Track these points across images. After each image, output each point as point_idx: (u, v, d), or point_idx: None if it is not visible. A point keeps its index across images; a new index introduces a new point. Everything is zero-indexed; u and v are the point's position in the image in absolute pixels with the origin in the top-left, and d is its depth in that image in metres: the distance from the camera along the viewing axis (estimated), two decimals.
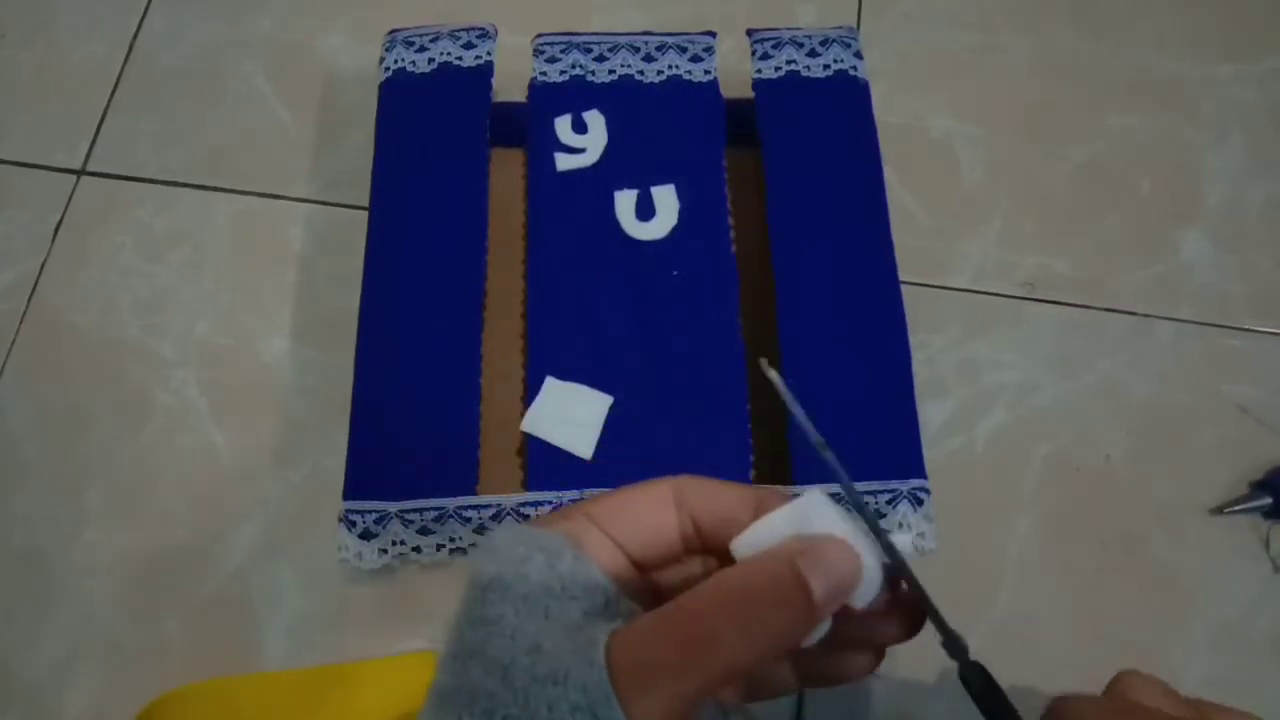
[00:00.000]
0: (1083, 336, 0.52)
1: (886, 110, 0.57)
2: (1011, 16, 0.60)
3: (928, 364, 0.52)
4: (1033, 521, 0.49)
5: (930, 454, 0.49)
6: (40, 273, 0.55)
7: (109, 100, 0.59)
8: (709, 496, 0.26)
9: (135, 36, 0.61)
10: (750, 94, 0.51)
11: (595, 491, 0.43)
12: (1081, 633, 0.47)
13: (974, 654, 0.26)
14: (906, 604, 0.26)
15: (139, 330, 0.53)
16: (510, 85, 0.52)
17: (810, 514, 0.24)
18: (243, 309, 0.54)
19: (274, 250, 0.55)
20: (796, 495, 0.25)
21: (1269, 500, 0.47)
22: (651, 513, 0.26)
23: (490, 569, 0.24)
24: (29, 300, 0.54)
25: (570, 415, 0.44)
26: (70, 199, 0.57)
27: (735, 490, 0.26)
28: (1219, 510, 0.48)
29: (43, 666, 0.47)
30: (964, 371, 0.52)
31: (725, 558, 0.25)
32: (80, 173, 0.57)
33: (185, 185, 0.57)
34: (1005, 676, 0.47)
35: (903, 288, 0.47)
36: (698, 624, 0.22)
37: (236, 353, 0.53)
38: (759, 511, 0.25)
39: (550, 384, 0.45)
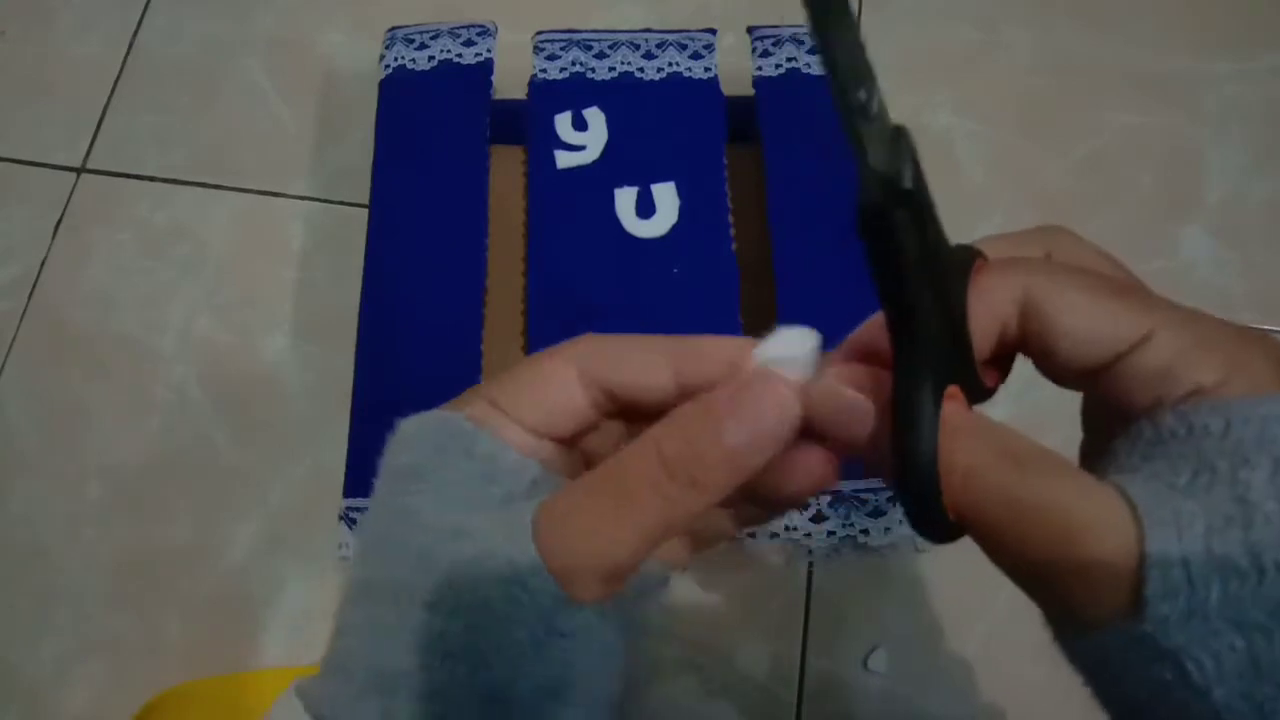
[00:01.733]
0: None
1: (887, 106, 0.57)
2: (1011, 12, 0.60)
3: None
4: None
5: None
6: (41, 270, 0.55)
7: (109, 97, 0.59)
8: (615, 367, 0.24)
9: (135, 33, 0.61)
10: (751, 91, 0.51)
11: None
12: None
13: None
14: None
15: (139, 327, 0.53)
16: (510, 83, 0.52)
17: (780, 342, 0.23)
18: (243, 306, 0.54)
19: (274, 247, 0.55)
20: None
21: None
22: (554, 394, 0.24)
23: (404, 458, 0.24)
24: (29, 297, 0.54)
25: None
26: (70, 196, 0.57)
27: (642, 352, 0.24)
28: None
29: (43, 663, 0.47)
30: None
31: (641, 419, 0.24)
32: (80, 170, 0.57)
33: (185, 182, 0.57)
34: (1009, 664, 0.47)
35: None
36: (622, 484, 0.21)
37: (236, 350, 0.53)
38: (677, 371, 0.23)
39: None
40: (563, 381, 0.24)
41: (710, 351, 0.23)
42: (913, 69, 0.59)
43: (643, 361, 0.24)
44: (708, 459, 0.21)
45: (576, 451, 0.25)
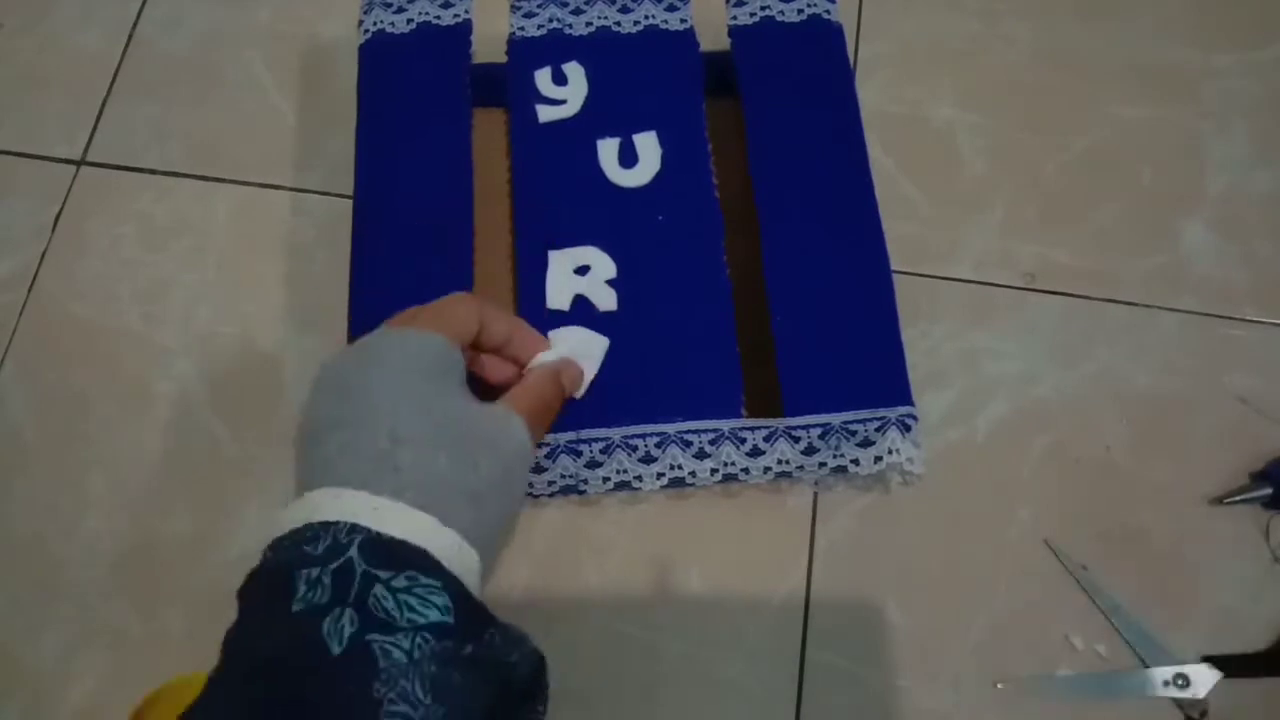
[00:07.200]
0: (1083, 326, 0.52)
1: (888, 99, 0.57)
2: (1013, 4, 0.60)
3: (928, 354, 0.52)
4: (1033, 512, 0.49)
5: (931, 444, 0.49)
6: (41, 263, 0.55)
7: (108, 90, 0.59)
8: (491, 315, 0.41)
9: (135, 25, 0.61)
10: (726, 43, 0.51)
11: (590, 432, 0.45)
12: (1081, 624, 0.47)
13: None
14: None
15: (139, 319, 0.53)
16: (489, 47, 0.52)
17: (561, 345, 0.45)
18: (242, 298, 0.54)
19: (273, 240, 0.55)
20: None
21: (1269, 491, 0.47)
22: (466, 319, 0.40)
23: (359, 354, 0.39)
24: (29, 290, 0.54)
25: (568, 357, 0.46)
26: (70, 189, 0.57)
27: (503, 317, 0.42)
28: (1219, 501, 0.48)
29: (45, 655, 0.47)
30: (965, 362, 0.52)
31: (488, 350, 0.43)
32: (80, 163, 0.57)
33: (185, 175, 0.57)
34: (1008, 667, 0.48)
35: (903, 278, 0.47)
36: (550, 406, 0.43)
37: (236, 341, 0.53)
38: (513, 331, 0.43)
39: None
40: (471, 312, 0.40)
41: (527, 341, 0.44)
42: (914, 62, 0.59)
43: (505, 323, 0.42)
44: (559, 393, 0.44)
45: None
